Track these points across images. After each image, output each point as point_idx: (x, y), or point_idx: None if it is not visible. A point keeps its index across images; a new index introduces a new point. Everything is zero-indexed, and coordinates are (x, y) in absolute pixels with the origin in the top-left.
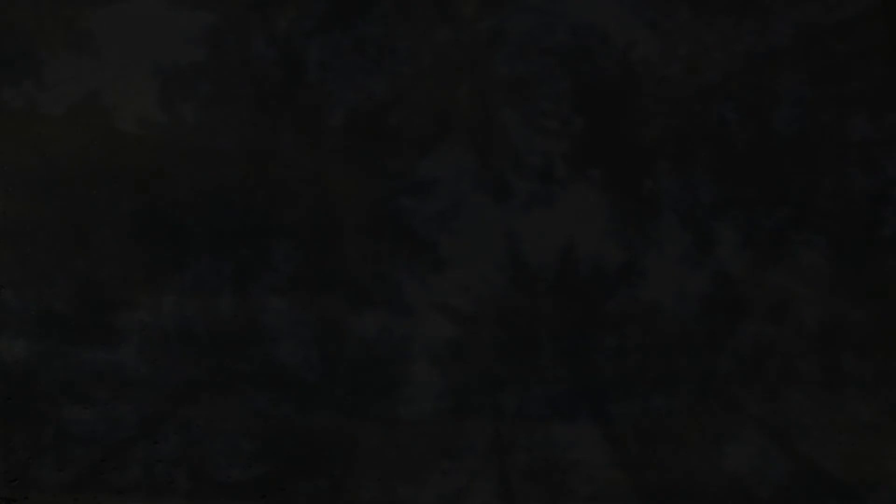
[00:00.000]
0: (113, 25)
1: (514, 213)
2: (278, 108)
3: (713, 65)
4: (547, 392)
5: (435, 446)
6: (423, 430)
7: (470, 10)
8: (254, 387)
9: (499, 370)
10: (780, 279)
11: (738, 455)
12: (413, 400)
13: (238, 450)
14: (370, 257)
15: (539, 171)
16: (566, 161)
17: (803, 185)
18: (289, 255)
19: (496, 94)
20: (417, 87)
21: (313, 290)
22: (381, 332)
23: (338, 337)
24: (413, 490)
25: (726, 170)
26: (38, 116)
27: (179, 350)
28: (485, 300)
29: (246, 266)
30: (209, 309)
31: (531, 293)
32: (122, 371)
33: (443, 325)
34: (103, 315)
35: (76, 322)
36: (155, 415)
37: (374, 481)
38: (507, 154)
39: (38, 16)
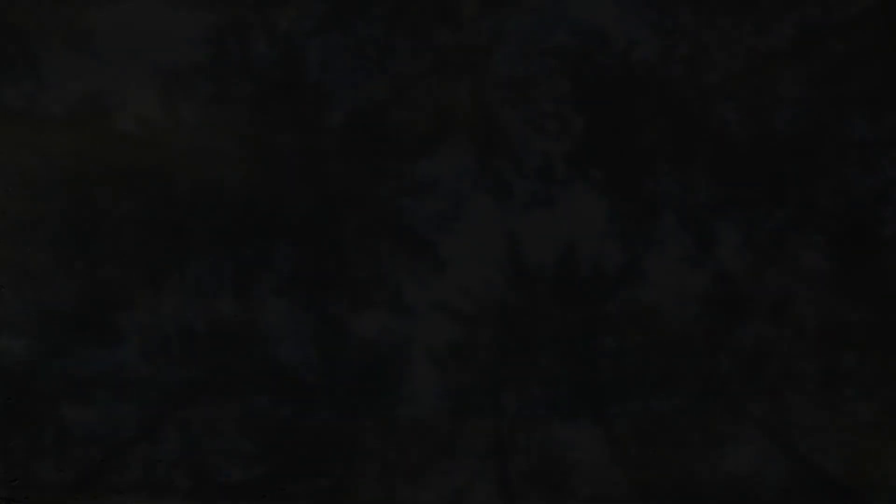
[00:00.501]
0: (113, 25)
1: (514, 214)
2: (278, 108)
3: (713, 65)
4: (547, 392)
5: (435, 446)
6: (423, 430)
7: (470, 10)
8: (254, 387)
9: (499, 370)
10: (780, 279)
11: (738, 455)
12: (413, 400)
13: (238, 450)
14: (370, 257)
15: (539, 172)
16: (566, 161)
17: (803, 185)
18: (289, 255)
19: (496, 94)
20: (417, 87)
21: (313, 290)
22: (381, 332)
23: (338, 337)
24: (413, 490)
25: (726, 170)
26: (38, 117)
27: (179, 350)
28: (485, 300)
29: (246, 266)
30: (209, 309)
31: (531, 294)
32: (122, 371)
33: (443, 326)
34: (103, 315)
35: (76, 322)
36: (155, 415)
37: (374, 481)
38: (507, 154)
39: (38, 16)
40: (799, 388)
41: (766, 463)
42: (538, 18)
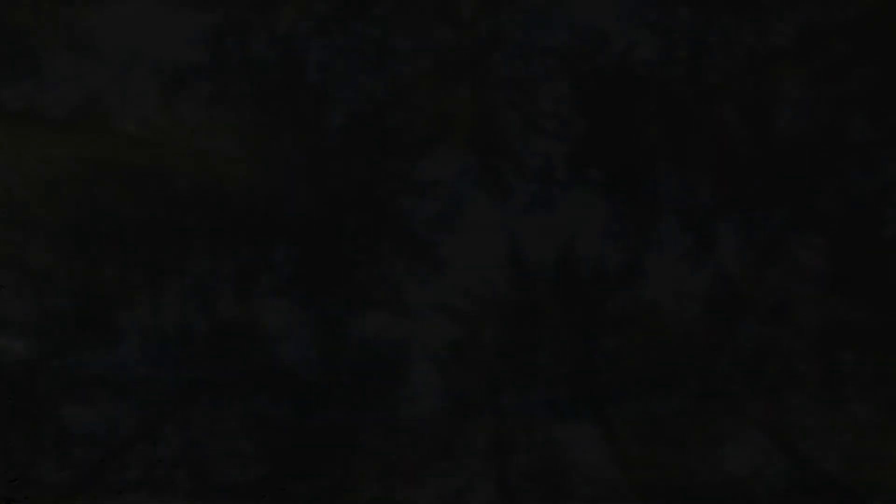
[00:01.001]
0: (113, 25)
1: (514, 214)
2: (278, 108)
3: (713, 65)
4: (547, 392)
5: (435, 446)
6: (423, 430)
7: (470, 10)
8: (254, 387)
9: (499, 370)
10: (780, 279)
11: (738, 455)
12: (413, 400)
13: (238, 450)
14: (370, 257)
15: (539, 172)
16: (566, 162)
17: (803, 185)
18: (289, 255)
19: (496, 94)
20: (417, 87)
21: (313, 290)
22: (381, 332)
23: (338, 337)
24: (413, 490)
25: (726, 170)
26: (38, 117)
27: (179, 350)
28: (485, 300)
29: (246, 266)
30: (209, 309)
31: (531, 294)
32: (122, 371)
33: (443, 326)
34: (103, 315)
35: (76, 322)
36: (155, 415)
37: (374, 481)
38: (507, 154)
39: (38, 16)
40: (799, 388)
41: (766, 463)
42: (538, 18)
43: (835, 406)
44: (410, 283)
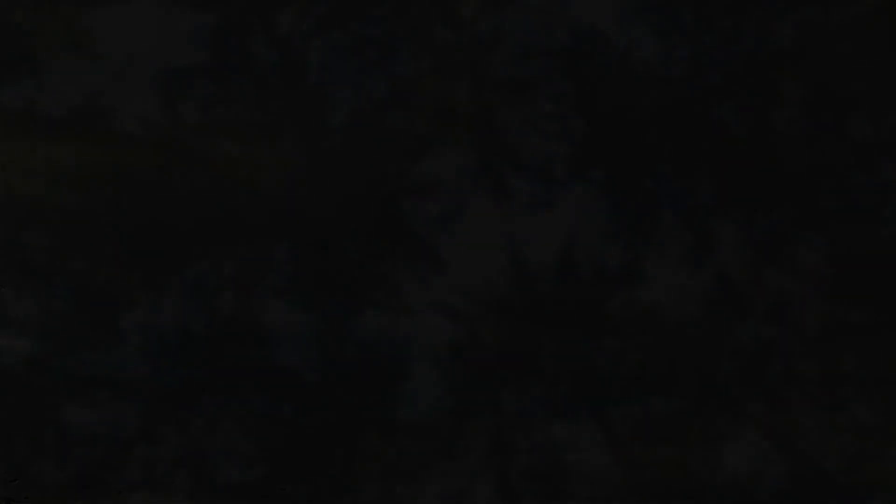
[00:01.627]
0: (113, 26)
1: (514, 214)
2: (278, 108)
3: (713, 65)
4: (547, 392)
5: (435, 446)
6: (423, 430)
7: (470, 10)
8: (253, 387)
9: (499, 370)
10: (780, 279)
11: (738, 455)
12: (413, 400)
13: (238, 450)
14: (370, 257)
15: (539, 172)
16: (566, 162)
17: (803, 185)
18: (289, 255)
19: (496, 94)
20: (417, 87)
21: (313, 291)
22: (381, 332)
23: (338, 337)
24: (413, 490)
25: (726, 170)
26: (38, 118)
27: (179, 350)
28: (485, 301)
29: (246, 266)
30: (209, 309)
31: (531, 294)
32: (123, 371)
33: (443, 326)
34: (103, 315)
35: (76, 322)
36: (155, 415)
37: (374, 481)
38: (507, 154)
39: (39, 16)
40: (799, 388)
41: (766, 463)
42: (538, 18)
43: (835, 406)
44: (410, 283)
